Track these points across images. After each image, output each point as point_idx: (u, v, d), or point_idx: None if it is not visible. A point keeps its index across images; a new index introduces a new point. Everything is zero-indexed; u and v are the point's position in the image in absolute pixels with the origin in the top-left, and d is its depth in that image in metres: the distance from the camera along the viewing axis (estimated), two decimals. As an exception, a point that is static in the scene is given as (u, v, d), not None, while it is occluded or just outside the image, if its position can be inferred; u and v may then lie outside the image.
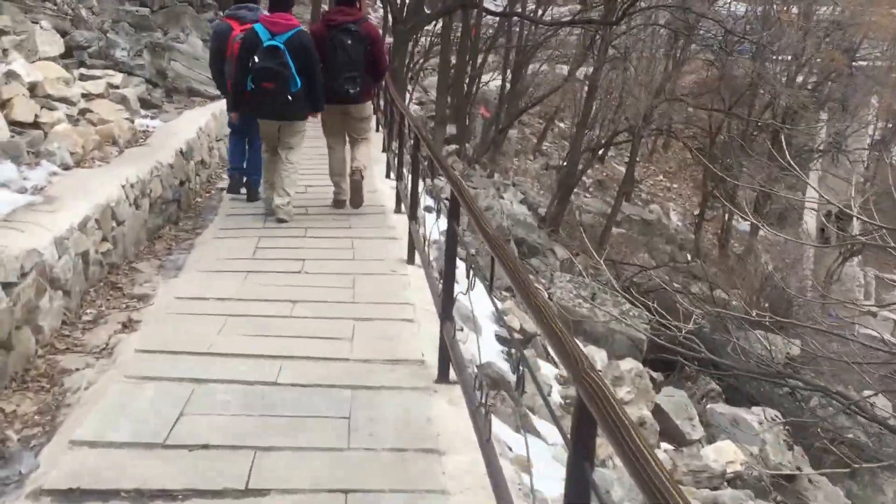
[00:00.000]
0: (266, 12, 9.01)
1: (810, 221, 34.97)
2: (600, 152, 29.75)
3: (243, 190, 9.70)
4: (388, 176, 11.27)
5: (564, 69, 31.94)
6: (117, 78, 11.06)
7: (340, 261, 7.74)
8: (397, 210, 9.47)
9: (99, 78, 10.64)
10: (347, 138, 9.45)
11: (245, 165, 9.65)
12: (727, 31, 22.82)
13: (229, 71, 8.74)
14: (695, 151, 32.76)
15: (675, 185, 38.62)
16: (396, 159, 9.84)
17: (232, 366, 5.37)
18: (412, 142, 8.16)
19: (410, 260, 7.74)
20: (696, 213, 35.87)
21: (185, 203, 9.71)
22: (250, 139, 9.48)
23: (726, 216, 33.36)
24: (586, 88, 23.54)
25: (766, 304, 19.20)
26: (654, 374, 13.18)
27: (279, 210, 8.72)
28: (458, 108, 23.08)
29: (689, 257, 30.85)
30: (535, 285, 3.31)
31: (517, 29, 26.26)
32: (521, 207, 18.06)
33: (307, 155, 9.89)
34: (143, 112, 11.09)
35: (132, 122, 10.20)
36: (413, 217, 7.72)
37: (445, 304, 5.29)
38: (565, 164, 27.18)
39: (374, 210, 9.57)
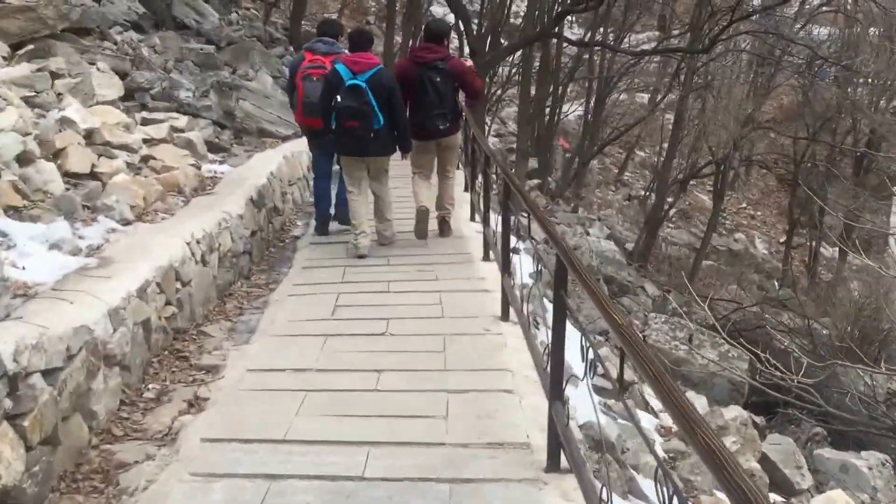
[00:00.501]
0: (346, 51, 8.98)
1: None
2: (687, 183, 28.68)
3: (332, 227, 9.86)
4: (472, 218, 10.47)
5: (644, 97, 31.18)
6: (182, 121, 10.52)
7: (428, 319, 7.01)
8: (485, 258, 8.68)
9: (162, 121, 10.09)
10: (435, 171, 9.54)
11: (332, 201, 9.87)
12: (815, 54, 21.65)
13: (294, 103, 9.27)
14: (782, 178, 31.72)
15: (758, 213, 37.33)
16: (482, 202, 9.05)
17: (312, 456, 4.70)
18: (502, 188, 7.37)
19: (504, 316, 6.98)
20: (783, 240, 34.70)
21: (257, 255, 9.05)
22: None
23: (813, 243, 32.22)
24: (670, 117, 22.64)
25: (857, 333, 18.12)
26: (757, 419, 12.28)
27: (382, 238, 9.17)
28: (538, 141, 22.28)
29: (777, 286, 29.80)
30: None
31: (597, 58, 25.49)
32: (608, 244, 17.18)
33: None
34: (210, 156, 10.52)
35: (199, 167, 9.64)
36: (506, 270, 6.95)
37: (555, 382, 4.57)
38: (650, 195, 26.31)
39: (460, 258, 8.82)
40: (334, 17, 30.17)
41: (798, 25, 19.59)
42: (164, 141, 9.71)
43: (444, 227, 9.60)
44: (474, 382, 5.71)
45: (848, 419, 10.50)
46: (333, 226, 9.86)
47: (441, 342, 6.41)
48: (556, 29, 17.28)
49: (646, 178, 34.50)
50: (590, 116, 24.95)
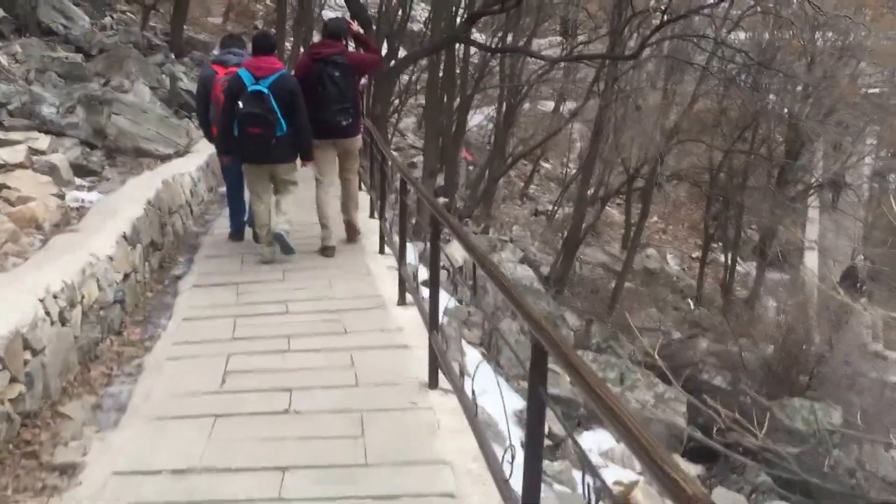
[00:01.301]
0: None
1: (811, 260, 33.73)
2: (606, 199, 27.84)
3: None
4: (381, 250, 9.35)
5: (548, 105, 30.37)
6: (44, 141, 9.22)
7: (339, 389, 5.86)
8: (401, 301, 7.60)
9: (19, 143, 8.79)
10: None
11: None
12: (750, 59, 20.80)
13: (214, 116, 8.93)
14: (694, 190, 31.41)
15: (669, 227, 36.98)
16: (398, 235, 7.87)
17: None
18: (430, 231, 6.17)
19: (433, 383, 5.90)
20: (695, 255, 34.36)
21: (130, 303, 7.74)
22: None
23: (728, 257, 31.87)
24: (578, 127, 21.75)
25: (785, 358, 17.58)
26: (697, 469, 11.49)
27: (278, 226, 8.76)
28: (443, 154, 21.04)
29: (692, 305, 29.34)
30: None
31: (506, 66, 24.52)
32: (523, 269, 16.05)
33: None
34: (77, 182, 9.25)
35: (62, 197, 8.42)
36: (434, 327, 5.81)
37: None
38: (557, 209, 25.37)
39: (371, 303, 7.70)
40: (218, 20, 28.84)
41: (724, 30, 18.76)
42: (20, 166, 8.46)
43: (352, 232, 9.66)
44: (404, 484, 4.62)
45: (829, 491, 9.82)
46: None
47: (358, 422, 5.30)
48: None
49: (552, 191, 33.83)
50: (495, 127, 23.89)
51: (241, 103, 8.13)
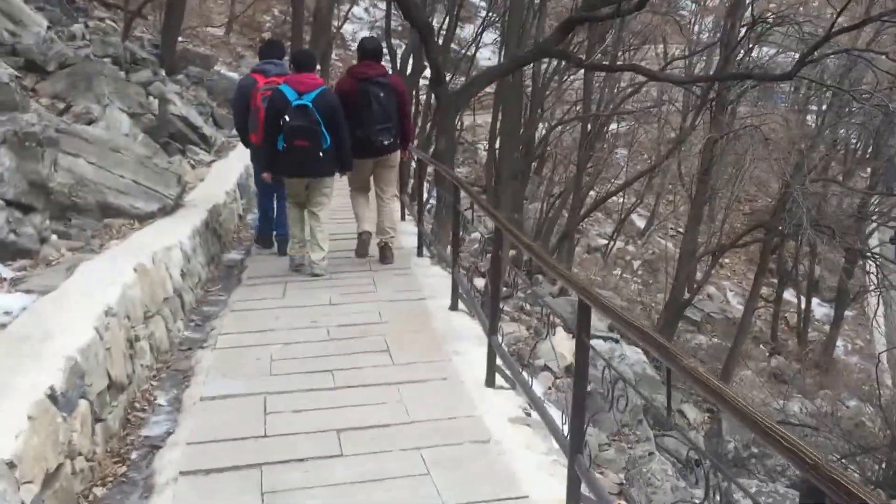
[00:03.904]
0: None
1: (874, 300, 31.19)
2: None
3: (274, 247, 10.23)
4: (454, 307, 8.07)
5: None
6: (-68, 211, 5.71)
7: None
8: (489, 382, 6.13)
9: None
10: (374, 193, 9.73)
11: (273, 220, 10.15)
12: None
13: (253, 124, 9.26)
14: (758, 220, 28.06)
15: (726, 260, 33.48)
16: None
17: None
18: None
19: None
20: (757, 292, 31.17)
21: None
22: (278, 195, 9.90)
23: (800, 299, 28.53)
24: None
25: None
26: None
27: (315, 266, 9.06)
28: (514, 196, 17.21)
29: (767, 354, 26.24)
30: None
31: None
32: (633, 351, 12.34)
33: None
34: (-3, 273, 5.79)
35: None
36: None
37: None
38: (612, 246, 21.69)
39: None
40: (220, 32, 25.62)
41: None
42: None
43: (387, 254, 9.74)
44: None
45: None
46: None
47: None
48: (560, 46, 12.56)
49: (600, 221, 30.44)
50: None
51: (287, 117, 8.31)
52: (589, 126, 19.71)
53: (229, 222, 11.04)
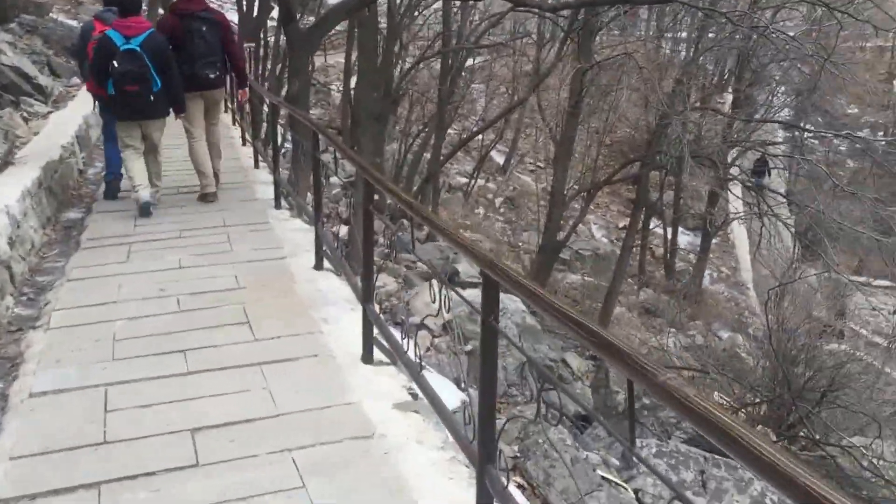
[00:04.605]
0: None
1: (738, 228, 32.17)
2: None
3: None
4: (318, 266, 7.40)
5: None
6: None
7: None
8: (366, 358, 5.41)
9: None
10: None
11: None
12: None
13: (87, 73, 9.28)
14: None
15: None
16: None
17: None
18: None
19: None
20: (621, 225, 31.27)
21: None
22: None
23: (669, 229, 28.56)
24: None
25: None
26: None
27: (146, 200, 9.02)
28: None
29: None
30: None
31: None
32: (510, 300, 11.73)
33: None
34: None
35: None
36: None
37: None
38: (473, 185, 21.06)
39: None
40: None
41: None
42: None
43: (216, 179, 10.01)
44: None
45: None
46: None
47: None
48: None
49: (458, 159, 29.88)
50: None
51: (115, 62, 8.25)
52: (451, 61, 18.94)
53: (67, 178, 10.14)
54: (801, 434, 12.63)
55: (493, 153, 31.45)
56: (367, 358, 5.34)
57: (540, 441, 7.52)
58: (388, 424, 4.56)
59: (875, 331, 25.04)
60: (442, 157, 18.92)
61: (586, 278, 23.19)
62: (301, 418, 4.59)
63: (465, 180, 28.31)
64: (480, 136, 26.77)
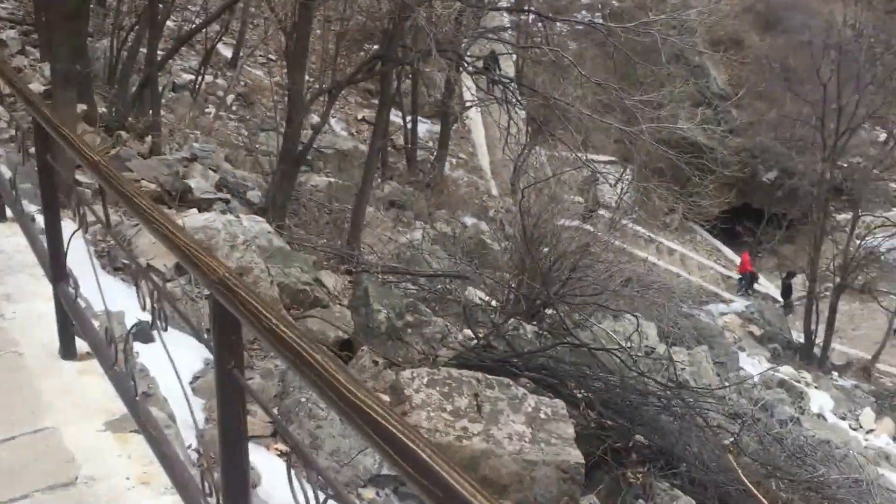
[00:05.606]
0: None
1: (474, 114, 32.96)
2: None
3: None
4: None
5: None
6: None
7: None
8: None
9: None
10: None
11: None
12: None
13: None
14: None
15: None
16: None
17: None
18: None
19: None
20: (360, 116, 30.37)
21: None
22: None
23: (408, 118, 27.97)
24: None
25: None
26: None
27: None
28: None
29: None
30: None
31: None
32: (252, 222, 9.83)
33: None
34: None
35: None
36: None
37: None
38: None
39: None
40: None
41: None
42: None
43: None
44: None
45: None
46: None
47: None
48: None
49: (191, 57, 27.76)
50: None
51: None
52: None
53: None
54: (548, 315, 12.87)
55: (220, 46, 29.41)
56: (68, 352, 3.91)
57: (303, 400, 6.42)
58: (98, 460, 3.22)
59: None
60: (161, 56, 16.90)
61: (332, 179, 22.00)
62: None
63: (191, 77, 26.19)
64: (205, 29, 24.83)
